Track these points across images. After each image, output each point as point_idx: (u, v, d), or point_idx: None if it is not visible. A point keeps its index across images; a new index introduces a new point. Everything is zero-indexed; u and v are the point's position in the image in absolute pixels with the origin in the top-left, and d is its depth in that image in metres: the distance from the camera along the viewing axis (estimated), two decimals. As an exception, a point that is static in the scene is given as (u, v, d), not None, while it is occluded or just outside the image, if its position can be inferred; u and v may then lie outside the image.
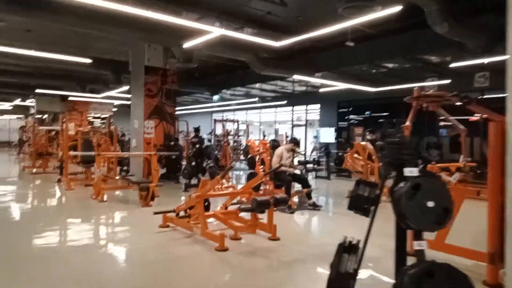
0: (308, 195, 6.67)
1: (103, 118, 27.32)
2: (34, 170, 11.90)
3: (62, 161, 9.00)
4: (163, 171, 10.02)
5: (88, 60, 9.28)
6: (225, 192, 5.19)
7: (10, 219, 6.03)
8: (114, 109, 21.14)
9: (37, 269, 3.82)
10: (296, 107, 18.55)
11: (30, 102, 21.33)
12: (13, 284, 3.38)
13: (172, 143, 10.40)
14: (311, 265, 4.02)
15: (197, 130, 9.94)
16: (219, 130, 16.50)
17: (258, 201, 4.39)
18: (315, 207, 6.64)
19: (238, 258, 4.15)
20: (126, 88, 12.68)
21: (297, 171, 7.03)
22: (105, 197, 7.17)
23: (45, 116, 21.35)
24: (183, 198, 7.84)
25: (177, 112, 11.38)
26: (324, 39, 9.39)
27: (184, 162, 10.65)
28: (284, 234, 4.85)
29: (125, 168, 10.67)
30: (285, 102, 18.08)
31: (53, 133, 13.22)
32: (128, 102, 11.71)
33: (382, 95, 13.15)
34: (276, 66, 10.79)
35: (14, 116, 30.30)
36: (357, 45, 8.76)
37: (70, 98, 17.20)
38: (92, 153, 7.89)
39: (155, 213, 5.30)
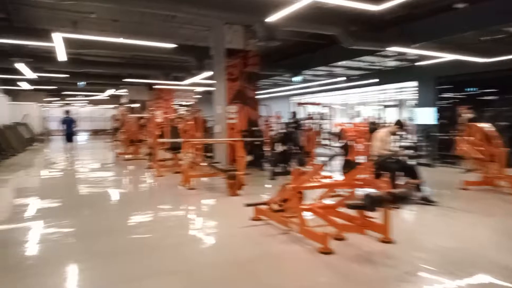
0: (418, 187, 5.67)
1: (187, 105, 28.43)
2: (127, 156, 12.52)
3: (151, 148, 9.15)
4: (249, 157, 9.64)
5: (173, 45, 9.19)
6: (324, 183, 4.51)
7: (107, 203, 6.28)
8: (198, 96, 21.60)
9: (128, 257, 3.66)
10: (386, 86, 16.86)
11: (122, 92, 22.82)
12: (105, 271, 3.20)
13: (256, 128, 9.98)
14: (438, 277, 3.21)
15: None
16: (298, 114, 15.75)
17: (372, 197, 3.64)
18: (428, 202, 5.63)
19: (347, 265, 3.50)
20: (208, 74, 12.58)
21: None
22: (193, 184, 7.01)
23: (135, 105, 22.76)
24: (269, 186, 7.40)
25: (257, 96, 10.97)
26: (425, 3, 8.06)
27: (266, 148, 10.19)
28: (396, 235, 4.05)
29: (209, 154, 10.60)
30: (376, 80, 16.43)
31: (142, 121, 13.78)
32: (210, 89, 11.55)
33: (493, 67, 11.12)
34: (367, 38, 9.64)
35: (109, 106, 33.14)
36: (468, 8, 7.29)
37: (155, 87, 17.86)
38: (179, 139, 7.77)
39: (247, 205, 4.87)
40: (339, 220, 4.21)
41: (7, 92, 17.57)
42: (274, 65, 13.96)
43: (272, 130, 11.61)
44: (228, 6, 7.43)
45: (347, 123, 10.20)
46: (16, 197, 7.08)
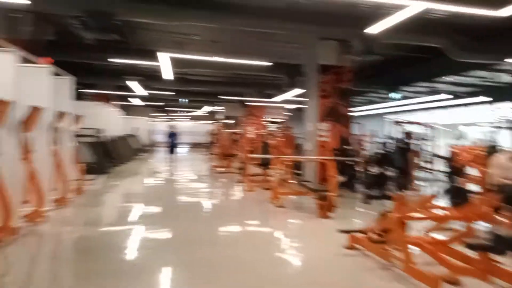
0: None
1: (277, 122, 28.85)
2: (220, 169, 13.10)
3: (243, 163, 9.42)
4: (341, 178, 9.21)
5: (268, 63, 9.44)
6: (436, 214, 3.95)
7: (200, 213, 6.62)
8: (288, 114, 21.81)
9: (215, 271, 3.69)
10: (501, 104, 14.86)
11: (218, 108, 24.22)
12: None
13: (349, 147, 9.55)
14: None
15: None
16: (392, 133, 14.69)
17: (503, 237, 3.00)
18: None
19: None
20: (299, 91, 12.61)
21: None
22: (281, 202, 6.94)
23: (230, 121, 23.94)
24: (362, 210, 6.94)
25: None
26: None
27: (359, 169, 9.66)
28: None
29: (299, 172, 10.46)
30: (488, 99, 14.53)
31: (235, 136, 14.38)
32: (300, 106, 11.47)
33: None
34: (477, 50, 8.62)
35: (207, 122, 35.45)
36: None
37: (248, 103, 18.52)
38: (269, 156, 7.81)
39: (341, 231, 4.53)
40: (455, 261, 3.58)
41: (120, 107, 19.98)
42: (369, 81, 13.38)
43: (365, 150, 11.01)
44: (326, 20, 7.37)
45: (460, 145, 9.12)
46: (122, 201, 7.86)
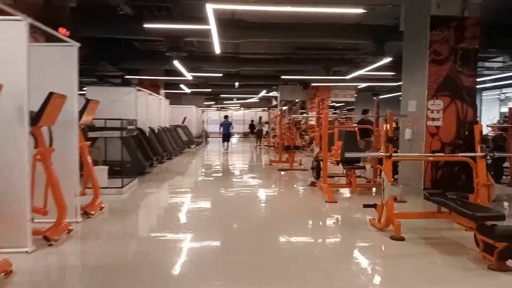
0: None
1: (339, 107, 25.52)
2: (280, 166, 10.60)
3: (318, 161, 6.69)
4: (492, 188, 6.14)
5: (361, 10, 6.48)
6: None
7: (278, 260, 3.80)
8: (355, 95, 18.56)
9: None
10: None
11: (273, 93, 21.58)
12: None
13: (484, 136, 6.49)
14: None
15: None
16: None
17: None
18: None
19: None
20: (385, 60, 9.56)
21: None
22: (397, 229, 4.14)
23: (285, 107, 21.15)
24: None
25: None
26: None
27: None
28: None
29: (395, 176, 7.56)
30: None
31: (299, 124, 11.74)
32: (377, 84, 8.40)
33: None
34: None
35: (260, 109, 33.07)
36: None
37: (314, 84, 15.66)
38: (376, 154, 5.01)
39: None
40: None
41: (170, 95, 18.16)
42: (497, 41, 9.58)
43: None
44: None
45: None
46: (149, 234, 5.58)
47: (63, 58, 4.69)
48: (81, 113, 4.95)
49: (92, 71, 14.43)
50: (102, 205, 5.41)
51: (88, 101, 5.12)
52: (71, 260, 3.76)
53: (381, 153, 4.29)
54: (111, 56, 11.93)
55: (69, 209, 4.46)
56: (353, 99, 17.16)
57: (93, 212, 5.04)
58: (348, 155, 5.11)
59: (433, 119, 6.83)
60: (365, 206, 4.55)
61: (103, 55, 11.77)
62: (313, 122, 17.23)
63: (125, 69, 13.89)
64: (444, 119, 6.84)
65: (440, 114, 6.82)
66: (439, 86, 6.81)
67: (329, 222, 5.23)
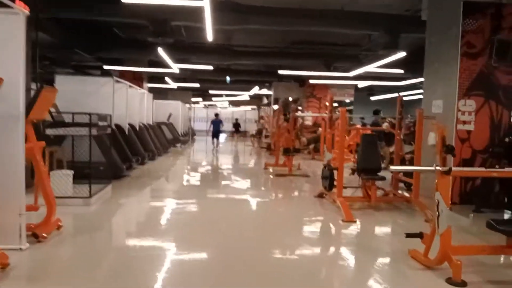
0: None
1: (336, 106, 24.56)
2: (276, 170, 9.53)
3: (331, 169, 5.56)
4: None
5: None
6: None
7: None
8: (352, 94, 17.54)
9: None
10: None
11: (265, 91, 20.42)
12: None
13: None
14: None
15: None
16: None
17: None
18: None
19: None
20: (399, 55, 8.54)
21: None
22: (458, 270, 3.07)
23: (276, 106, 20.00)
24: None
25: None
26: None
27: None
28: None
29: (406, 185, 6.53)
30: None
31: (297, 123, 10.64)
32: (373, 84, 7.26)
33: None
34: None
35: (249, 107, 31.87)
36: None
37: (312, 81, 14.58)
38: (430, 168, 3.83)
39: None
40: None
41: (155, 90, 16.84)
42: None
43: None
44: None
45: None
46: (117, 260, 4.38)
47: (5, 30, 3.47)
48: (31, 104, 3.75)
49: (68, 61, 13.04)
50: (60, 223, 4.21)
51: (40, 88, 3.88)
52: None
53: (437, 168, 3.21)
54: (88, 43, 10.59)
55: (9, 232, 3.37)
56: (351, 99, 16.15)
57: (45, 235, 3.84)
58: (393, 169, 4.00)
59: (464, 122, 5.83)
60: (408, 235, 3.45)
61: (79, 43, 10.42)
62: (308, 122, 16.21)
63: (104, 59, 12.50)
64: (476, 123, 5.85)
65: (472, 117, 5.83)
66: (471, 84, 5.81)
67: (357, 253, 3.92)
